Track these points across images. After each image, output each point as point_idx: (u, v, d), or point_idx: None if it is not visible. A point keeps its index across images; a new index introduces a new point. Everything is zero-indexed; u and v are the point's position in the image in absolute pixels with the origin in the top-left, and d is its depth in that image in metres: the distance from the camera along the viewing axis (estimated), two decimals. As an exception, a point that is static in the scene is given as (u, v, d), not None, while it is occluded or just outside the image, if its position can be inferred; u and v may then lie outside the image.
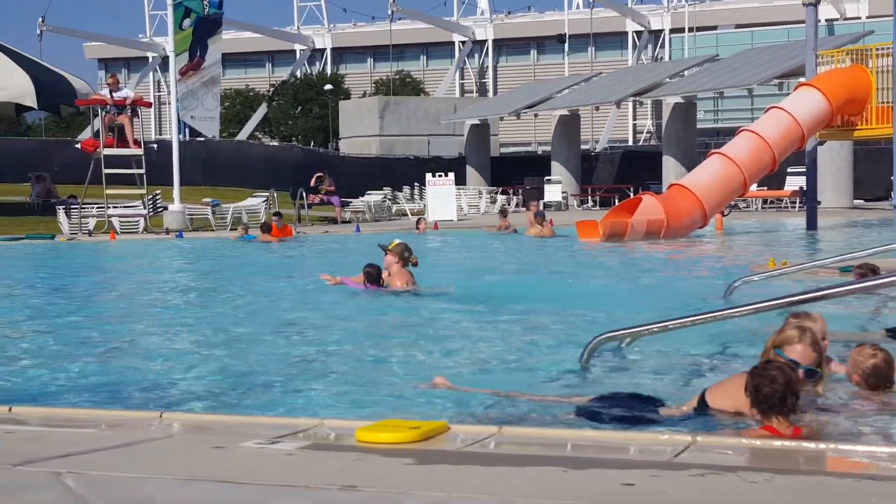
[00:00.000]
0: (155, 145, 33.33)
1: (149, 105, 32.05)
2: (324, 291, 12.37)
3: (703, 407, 5.45)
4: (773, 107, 24.41)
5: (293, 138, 70.86)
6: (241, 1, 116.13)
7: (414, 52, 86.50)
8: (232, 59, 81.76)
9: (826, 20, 65.22)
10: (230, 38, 73.19)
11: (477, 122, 49.07)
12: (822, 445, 4.33)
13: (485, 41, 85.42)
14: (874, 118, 24.44)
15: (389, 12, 73.03)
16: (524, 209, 39.04)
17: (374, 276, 11.99)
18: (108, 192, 26.48)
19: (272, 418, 5.26)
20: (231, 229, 26.46)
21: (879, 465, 4.03)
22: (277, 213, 25.97)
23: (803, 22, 26.22)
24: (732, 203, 25.73)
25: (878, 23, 51.69)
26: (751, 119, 46.58)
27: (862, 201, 38.43)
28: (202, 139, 49.58)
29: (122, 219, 26.62)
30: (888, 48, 24.31)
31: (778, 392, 4.75)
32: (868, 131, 25.14)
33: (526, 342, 8.63)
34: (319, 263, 18.99)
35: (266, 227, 23.56)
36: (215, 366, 7.67)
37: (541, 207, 28.86)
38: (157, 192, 27.96)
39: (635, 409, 5.60)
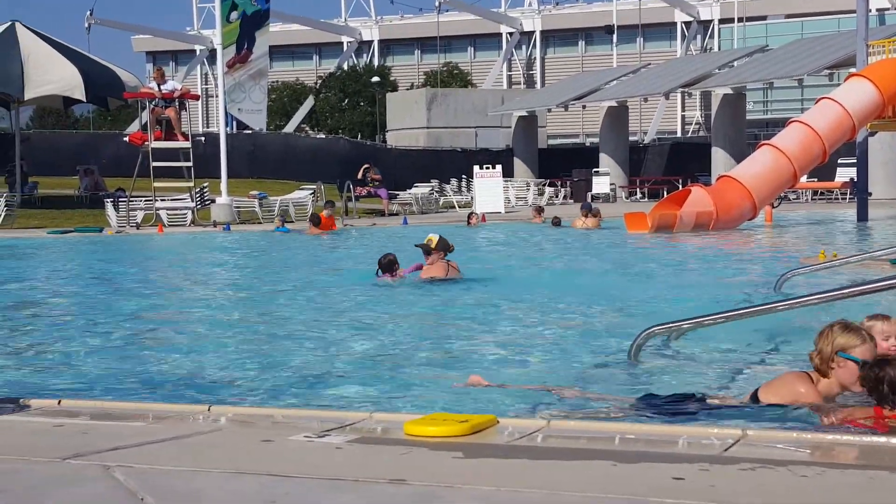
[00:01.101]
0: (202, 138, 33.58)
1: (196, 98, 32.30)
2: (370, 285, 12.39)
3: (755, 403, 5.40)
4: (823, 98, 24.13)
5: (340, 131, 71.10)
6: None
7: (461, 43, 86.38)
8: (279, 52, 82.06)
9: (877, 10, 64.27)
10: (277, 31, 73.54)
11: (524, 113, 48.94)
12: (874, 439, 4.27)
13: (532, 32, 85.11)
14: (926, 108, 24.11)
15: (437, 4, 73.03)
16: (572, 201, 38.96)
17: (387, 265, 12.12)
18: (156, 184, 26.70)
19: (320, 412, 5.27)
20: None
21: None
22: (330, 202, 26.10)
23: (854, 12, 25.91)
24: (782, 195, 25.47)
25: (931, 11, 50.86)
26: (801, 110, 46.06)
27: (914, 192, 37.87)
28: (249, 132, 49.86)
29: (169, 212, 26.83)
30: (942, 37, 23.97)
31: None
32: (920, 122, 24.81)
33: (573, 335, 8.59)
34: (365, 255, 19.06)
35: (316, 220, 23.51)
36: (263, 359, 7.70)
37: (588, 199, 28.59)
38: (205, 184, 28.15)
39: (691, 404, 5.55)
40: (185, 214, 26.93)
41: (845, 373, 5.24)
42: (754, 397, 5.43)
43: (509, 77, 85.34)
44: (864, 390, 5.19)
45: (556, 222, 24.31)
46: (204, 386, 6.72)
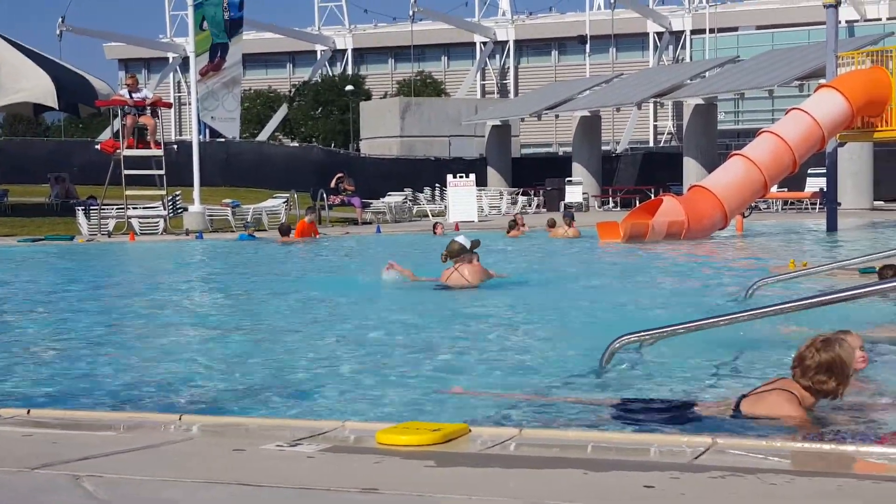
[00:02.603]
0: (175, 146, 33.47)
1: (168, 105, 32.18)
2: (344, 293, 12.38)
3: (738, 415, 5.42)
4: (793, 108, 24.31)
5: (314, 139, 70.99)
6: (263, 2, 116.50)
7: (435, 52, 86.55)
8: (253, 60, 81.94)
9: (846, 21, 64.94)
10: (251, 39, 73.33)
11: (498, 122, 49.04)
12: (843, 447, 4.31)
13: (506, 42, 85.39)
14: (894, 119, 24.32)
15: (410, 13, 73.15)
16: (545, 210, 39.04)
17: None
18: (128, 192, 26.56)
19: (292, 421, 5.26)
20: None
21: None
22: (311, 208, 26.08)
23: (824, 23, 26.10)
24: (753, 204, 25.62)
25: (900, 23, 51.37)
26: (771, 120, 46.33)
27: (882, 202, 38.23)
28: (222, 140, 49.66)
29: (141, 220, 26.69)
30: (910, 49, 24.19)
31: None
32: (888, 132, 25.00)
33: (547, 344, 8.61)
34: (338, 264, 19.04)
35: (284, 229, 23.49)
36: (235, 368, 7.68)
37: (562, 208, 28.58)
38: (177, 193, 28.04)
39: (664, 412, 5.58)
40: (157, 223, 26.80)
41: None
42: (737, 406, 5.45)
43: (483, 86, 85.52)
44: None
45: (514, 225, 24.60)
46: (175, 395, 6.69)
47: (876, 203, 37.29)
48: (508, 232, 24.31)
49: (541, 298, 11.82)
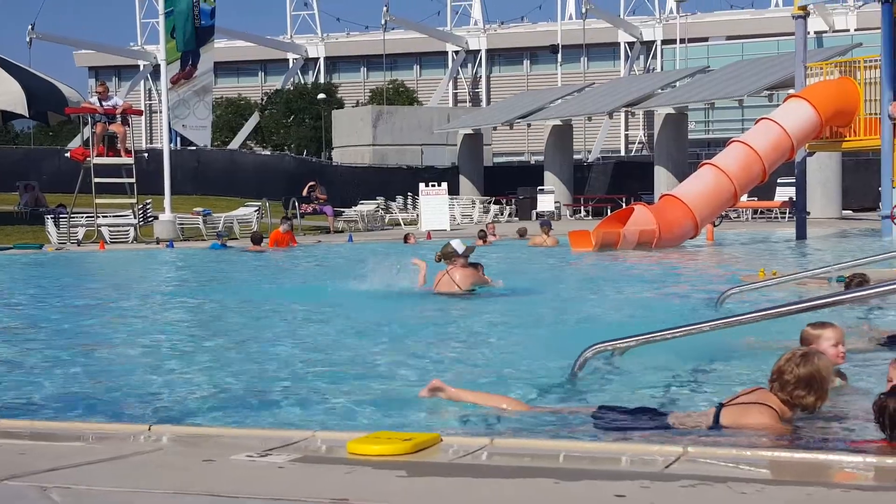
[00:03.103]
0: (146, 154, 33.32)
1: (139, 113, 32.05)
2: (316, 301, 12.35)
3: (718, 425, 5.42)
4: (763, 118, 24.47)
5: (286, 147, 70.83)
6: (234, 9, 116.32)
7: (407, 61, 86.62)
8: (224, 68, 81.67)
9: (815, 32, 65.43)
10: (222, 47, 73.21)
11: (470, 131, 49.12)
12: (813, 456, 4.33)
13: (478, 51, 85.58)
14: (862, 130, 24.55)
15: (383, 22, 73.18)
16: (517, 219, 39.13)
17: None
18: (98, 201, 26.41)
19: (263, 430, 5.23)
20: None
21: (868, 475, 4.03)
22: (287, 218, 26.07)
23: (793, 34, 26.33)
24: (723, 213, 25.77)
25: (866, 35, 51.85)
26: (741, 130, 46.58)
27: (850, 212, 38.55)
28: (193, 148, 49.55)
29: (111, 228, 26.54)
30: (876, 60, 24.43)
31: None
32: (856, 143, 25.24)
33: (520, 352, 8.61)
34: (309, 272, 18.99)
35: (256, 237, 23.46)
36: (206, 377, 7.64)
37: (534, 217, 28.60)
38: (148, 201, 27.91)
39: (639, 420, 5.58)
40: (127, 231, 26.65)
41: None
42: (717, 416, 5.45)
43: (455, 95, 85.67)
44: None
45: (483, 236, 24.58)
46: (145, 405, 6.65)
47: (844, 212, 37.61)
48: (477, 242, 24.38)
49: (514, 307, 11.83)
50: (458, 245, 12.52)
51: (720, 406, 5.50)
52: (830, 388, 5.56)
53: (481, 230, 25.56)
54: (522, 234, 25.39)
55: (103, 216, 26.96)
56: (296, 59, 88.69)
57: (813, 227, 26.47)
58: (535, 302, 12.39)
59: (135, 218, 26.80)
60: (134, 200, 26.89)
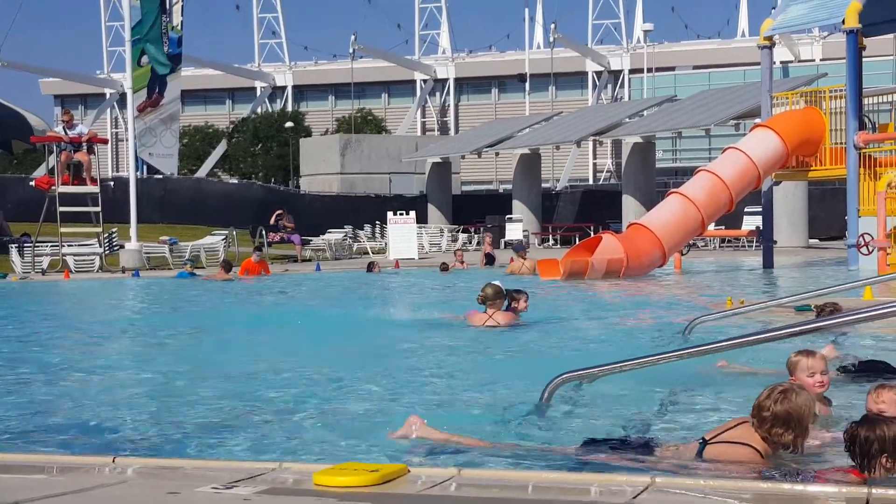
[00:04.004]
0: (111, 183, 33.12)
1: (105, 141, 31.86)
2: (284, 331, 12.27)
3: (702, 456, 5.39)
4: (730, 147, 24.66)
5: (253, 176, 70.71)
6: (202, 37, 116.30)
7: (375, 90, 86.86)
8: (192, 96, 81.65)
9: (781, 62, 66.28)
10: (190, 75, 73.15)
11: (438, 160, 49.22)
12: (780, 486, 4.33)
13: (446, 80, 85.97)
14: (828, 159, 24.78)
15: (351, 50, 73.34)
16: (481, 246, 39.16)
17: None
18: (63, 230, 26.22)
19: (229, 462, 5.16)
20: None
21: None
22: (258, 247, 25.99)
23: (759, 64, 26.59)
24: (691, 242, 25.90)
25: (831, 65, 52.57)
26: (708, 159, 47.03)
27: (817, 241, 38.88)
28: (160, 176, 49.35)
29: (76, 257, 26.33)
30: (841, 90, 24.71)
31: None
32: (822, 172, 25.47)
33: (487, 382, 8.58)
34: (275, 303, 18.90)
35: (227, 265, 23.39)
36: (171, 409, 7.55)
37: (502, 245, 28.51)
38: (114, 230, 27.72)
39: (621, 450, 5.54)
40: (92, 260, 26.45)
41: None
42: (700, 452, 5.41)
43: (423, 123, 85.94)
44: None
45: (445, 268, 24.72)
46: (109, 437, 6.56)
47: (811, 241, 37.93)
48: (443, 270, 24.62)
49: (484, 336, 11.80)
50: (499, 285, 12.44)
51: (704, 442, 5.45)
52: (813, 418, 5.52)
53: (443, 263, 25.67)
54: (444, 269, 24.79)
55: (68, 245, 26.76)
56: (263, 87, 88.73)
57: (780, 256, 26.65)
58: (510, 330, 12.35)
59: (100, 247, 26.61)
60: (99, 229, 26.70)
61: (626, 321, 13.94)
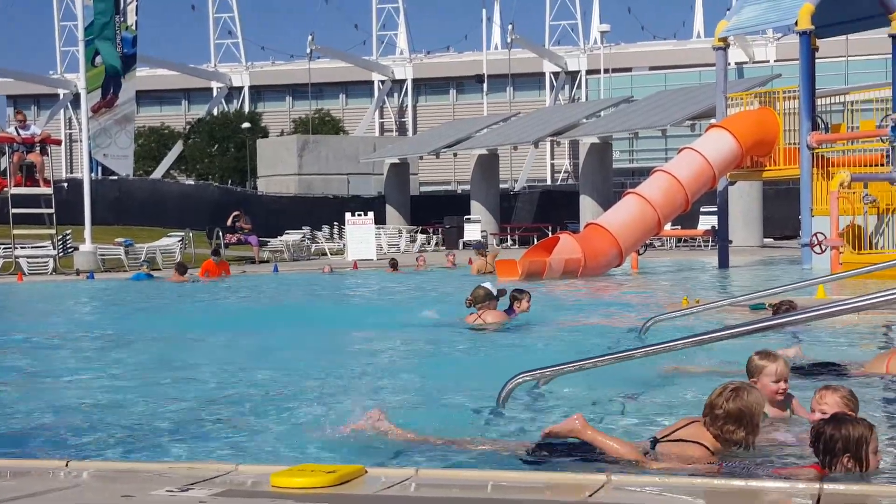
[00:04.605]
0: (65, 184, 32.81)
1: (58, 142, 31.55)
2: (239, 332, 12.20)
3: (654, 454, 5.42)
4: (685, 148, 24.84)
5: (210, 177, 70.29)
6: (157, 37, 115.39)
7: (333, 90, 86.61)
8: (147, 97, 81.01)
9: (736, 63, 66.86)
10: (145, 76, 72.57)
11: (396, 161, 49.20)
12: (739, 483, 4.36)
13: (404, 80, 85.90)
14: (782, 159, 25.01)
15: (308, 51, 73.10)
16: (444, 248, 39.20)
17: None
18: (16, 232, 25.92)
19: (184, 464, 5.12)
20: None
21: (797, 500, 4.06)
22: (216, 250, 25.99)
23: (714, 65, 26.81)
24: (647, 242, 26.07)
25: (785, 66, 53.10)
26: (665, 159, 47.36)
27: (771, 240, 39.27)
28: (115, 178, 48.92)
29: (30, 260, 26.03)
30: (795, 91, 24.96)
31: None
32: (776, 172, 25.71)
33: (443, 382, 8.58)
34: (231, 304, 18.80)
35: (181, 268, 23.28)
36: (126, 412, 7.48)
37: (461, 245, 28.69)
38: (68, 232, 27.45)
39: (570, 452, 5.55)
40: (46, 263, 26.17)
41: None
42: (652, 448, 5.44)
43: (381, 124, 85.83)
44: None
45: (394, 264, 25.19)
46: (62, 440, 6.49)
47: (765, 241, 38.31)
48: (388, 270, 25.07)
49: (445, 336, 11.80)
50: (490, 287, 12.40)
51: (655, 441, 5.50)
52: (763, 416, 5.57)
53: (392, 258, 26.03)
54: (394, 265, 25.38)
55: (21, 247, 26.45)
56: (220, 87, 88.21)
57: (735, 256, 26.88)
58: (465, 331, 12.36)
59: (54, 249, 26.34)
60: (53, 231, 26.43)
61: (582, 321, 13.99)
